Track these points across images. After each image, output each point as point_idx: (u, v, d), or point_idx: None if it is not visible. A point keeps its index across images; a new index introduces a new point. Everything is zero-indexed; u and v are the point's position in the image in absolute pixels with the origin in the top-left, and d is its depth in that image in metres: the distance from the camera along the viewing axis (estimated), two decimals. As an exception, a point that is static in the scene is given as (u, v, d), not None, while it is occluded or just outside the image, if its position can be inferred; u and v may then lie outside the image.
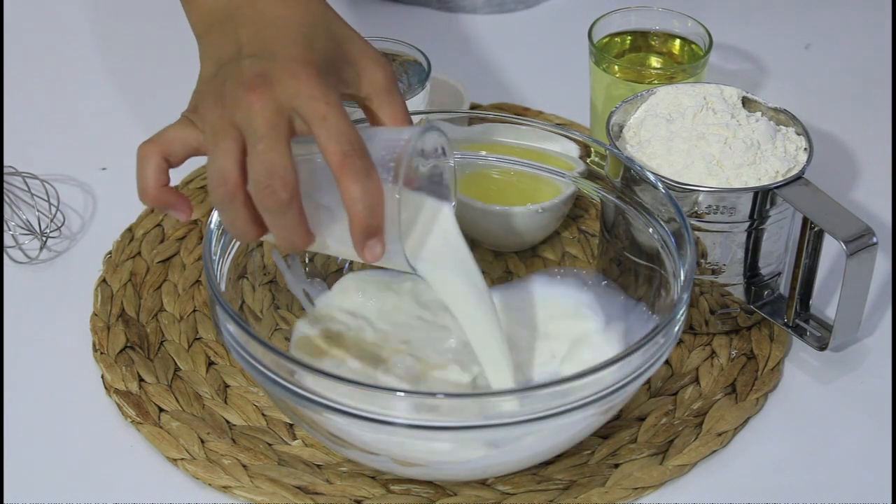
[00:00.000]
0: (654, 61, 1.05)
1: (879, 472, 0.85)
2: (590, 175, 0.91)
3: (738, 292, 0.92)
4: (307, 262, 0.93)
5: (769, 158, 0.89)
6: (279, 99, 0.74)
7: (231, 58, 0.77)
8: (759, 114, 0.92)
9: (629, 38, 1.05)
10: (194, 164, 1.07)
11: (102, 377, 0.90)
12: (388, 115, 0.79)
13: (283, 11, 0.78)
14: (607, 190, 0.90)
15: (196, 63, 1.23)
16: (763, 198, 0.88)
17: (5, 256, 0.99)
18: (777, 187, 0.87)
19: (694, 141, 0.90)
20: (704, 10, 1.10)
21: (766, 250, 0.91)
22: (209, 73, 0.78)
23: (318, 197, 0.76)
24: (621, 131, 0.93)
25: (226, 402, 0.89)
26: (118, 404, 0.88)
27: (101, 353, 0.91)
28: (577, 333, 0.89)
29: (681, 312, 0.79)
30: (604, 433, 0.86)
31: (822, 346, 0.90)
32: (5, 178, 1.03)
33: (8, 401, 0.89)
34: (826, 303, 0.96)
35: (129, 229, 1.02)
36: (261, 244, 0.89)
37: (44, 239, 0.99)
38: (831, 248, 0.92)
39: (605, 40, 1.04)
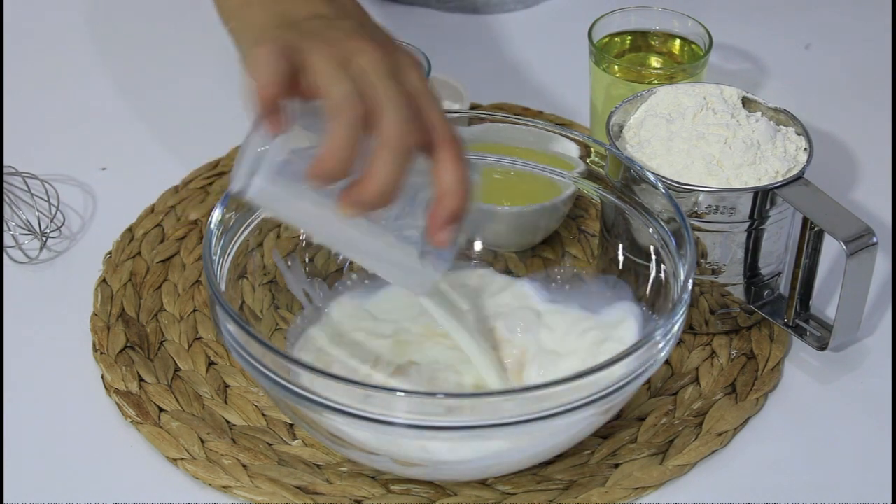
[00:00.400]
0: (654, 61, 1.05)
1: (879, 472, 0.85)
2: (590, 175, 0.91)
3: (738, 292, 0.92)
4: (307, 261, 0.93)
5: (769, 158, 0.89)
6: (394, 61, 0.73)
7: (311, 15, 0.75)
8: (759, 114, 0.92)
9: (629, 38, 1.05)
10: (194, 164, 1.08)
11: (102, 377, 0.90)
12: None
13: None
14: (607, 190, 0.90)
15: (196, 63, 1.23)
16: (763, 198, 0.88)
17: (5, 256, 0.99)
18: (777, 187, 0.87)
19: (694, 141, 0.90)
20: (704, 10, 1.10)
21: (766, 250, 0.91)
22: (269, 26, 0.76)
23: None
24: (621, 131, 0.93)
25: (226, 402, 0.89)
26: (118, 404, 0.88)
27: (101, 353, 0.91)
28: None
29: (681, 312, 0.79)
30: (604, 433, 0.86)
31: (822, 346, 0.90)
32: (5, 178, 1.03)
33: (8, 401, 0.89)
34: (826, 303, 0.96)
35: (129, 229, 1.02)
36: (261, 244, 0.89)
37: (44, 239, 0.99)
38: (831, 248, 0.92)
39: (605, 40, 1.04)
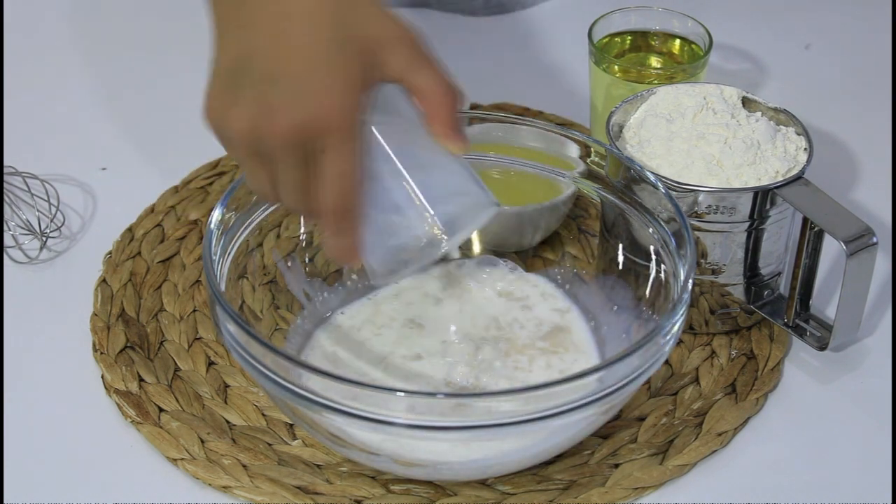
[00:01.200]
0: (654, 61, 1.05)
1: (879, 472, 0.85)
2: (590, 175, 0.91)
3: (738, 292, 0.92)
4: (307, 261, 0.93)
5: (769, 158, 0.89)
6: (298, 147, 0.74)
7: (244, 59, 0.75)
8: (759, 114, 0.92)
9: (629, 38, 1.05)
10: (194, 164, 1.08)
11: (102, 377, 0.90)
12: (420, 93, 0.77)
13: (296, 7, 0.75)
14: (607, 190, 0.90)
15: (196, 63, 1.23)
16: (763, 198, 0.88)
17: (5, 256, 0.99)
18: (777, 187, 0.87)
19: (694, 141, 0.90)
20: (704, 10, 1.10)
21: (766, 250, 0.91)
22: (226, 66, 0.77)
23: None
24: (621, 131, 0.93)
25: (226, 402, 0.89)
26: (118, 404, 0.88)
27: (101, 353, 0.91)
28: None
29: (681, 312, 0.79)
30: (604, 433, 0.86)
31: (822, 346, 0.90)
32: (5, 178, 1.03)
33: (8, 401, 0.89)
34: (826, 303, 0.96)
35: (129, 229, 1.02)
36: (261, 244, 0.89)
37: (44, 239, 0.99)
38: (831, 248, 0.92)
39: (605, 40, 1.04)
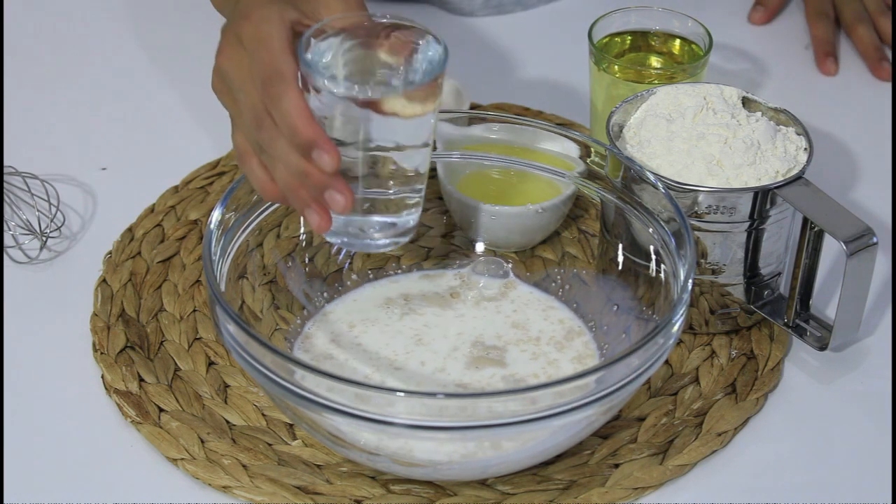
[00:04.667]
0: (654, 61, 1.05)
1: (879, 472, 0.85)
2: (590, 175, 0.91)
3: (738, 292, 0.92)
4: (307, 261, 0.93)
5: (769, 158, 0.89)
6: (233, 46, 0.79)
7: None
8: (759, 114, 0.92)
9: (629, 38, 1.05)
10: (194, 164, 1.08)
11: (102, 377, 0.90)
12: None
13: None
14: (607, 190, 0.90)
15: (196, 63, 1.23)
16: (763, 198, 0.88)
17: (5, 256, 0.99)
18: (777, 187, 0.87)
19: (694, 141, 0.90)
20: (704, 10, 1.10)
21: (766, 250, 0.91)
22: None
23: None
24: (621, 131, 0.93)
25: (226, 402, 0.89)
26: (118, 404, 0.88)
27: (101, 353, 0.91)
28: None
29: (681, 312, 0.79)
30: (604, 433, 0.86)
31: (822, 346, 0.90)
32: (5, 178, 1.03)
33: (8, 401, 0.89)
34: (826, 303, 0.96)
35: (129, 229, 1.02)
36: (261, 244, 0.90)
37: (44, 239, 0.99)
38: (831, 248, 0.92)
39: (605, 40, 1.04)
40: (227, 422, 0.87)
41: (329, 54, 0.79)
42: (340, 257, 0.94)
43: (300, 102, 0.75)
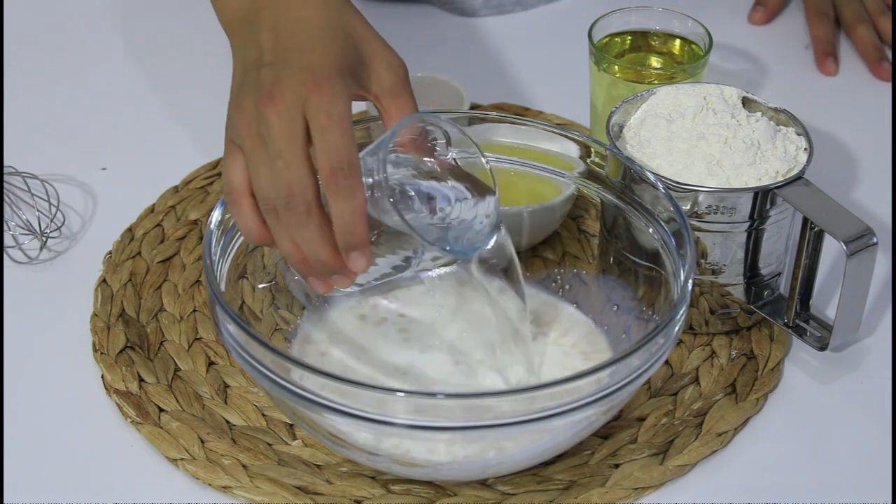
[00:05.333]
0: (654, 61, 1.05)
1: (879, 472, 0.85)
2: (590, 175, 0.91)
3: (738, 292, 0.92)
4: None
5: (769, 158, 0.89)
6: (292, 110, 0.75)
7: (253, 64, 0.78)
8: (759, 114, 0.92)
9: (629, 38, 1.05)
10: (194, 164, 1.08)
11: (102, 377, 0.90)
12: (394, 118, 0.80)
13: (302, 12, 0.79)
14: (607, 190, 0.90)
15: (196, 63, 1.23)
16: (763, 198, 0.88)
17: (5, 256, 0.99)
18: (777, 187, 0.87)
19: (694, 141, 0.90)
20: (704, 10, 1.10)
21: (766, 250, 0.91)
22: (237, 79, 0.80)
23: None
24: (621, 131, 0.93)
25: (226, 402, 0.89)
26: (118, 404, 0.88)
27: (101, 353, 0.91)
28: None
29: (681, 312, 0.79)
30: (604, 433, 0.86)
31: (822, 347, 0.90)
32: (5, 178, 1.03)
33: (8, 401, 0.89)
34: (826, 303, 0.96)
35: (129, 229, 1.02)
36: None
37: (44, 239, 0.99)
38: (831, 248, 0.92)
39: (605, 40, 1.04)
40: (227, 422, 0.87)
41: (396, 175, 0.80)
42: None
43: (364, 204, 0.75)
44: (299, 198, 0.74)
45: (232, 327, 0.78)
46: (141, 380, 0.90)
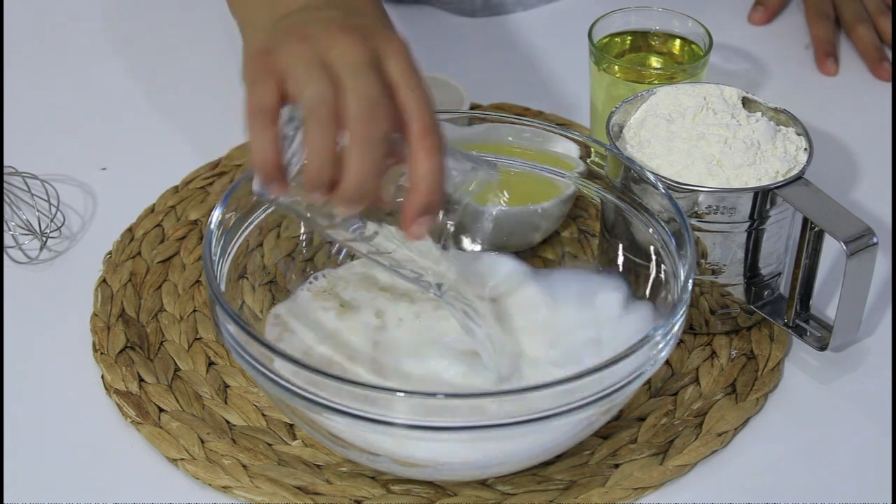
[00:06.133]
0: (654, 61, 1.05)
1: (879, 472, 0.85)
2: (590, 175, 0.91)
3: (738, 292, 0.92)
4: (307, 261, 0.93)
5: (769, 158, 0.89)
6: (372, 49, 0.74)
7: (301, 7, 0.78)
8: (759, 114, 0.92)
9: (629, 38, 1.05)
10: (194, 164, 1.08)
11: (102, 377, 0.90)
12: (407, 113, 0.78)
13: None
14: (607, 190, 0.90)
15: (196, 63, 1.23)
16: (763, 198, 0.88)
17: (5, 256, 0.99)
18: (777, 187, 0.87)
19: (694, 141, 0.90)
20: (704, 10, 1.10)
21: (766, 250, 0.91)
22: (266, 22, 0.79)
23: None
24: (621, 131, 0.93)
25: (226, 402, 0.89)
26: (118, 404, 0.88)
27: (101, 353, 0.91)
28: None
29: (681, 312, 0.79)
30: (604, 433, 0.86)
31: (822, 347, 0.90)
32: (5, 178, 1.03)
33: (8, 401, 0.89)
34: (826, 303, 0.96)
35: (129, 229, 1.02)
36: (261, 244, 0.89)
37: (44, 239, 0.99)
38: (831, 248, 0.92)
39: (605, 40, 1.04)
40: (227, 422, 0.87)
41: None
42: (341, 257, 0.94)
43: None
44: (382, 112, 0.72)
45: (232, 327, 0.77)
46: (141, 380, 0.90)
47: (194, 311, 0.95)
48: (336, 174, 0.73)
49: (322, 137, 0.72)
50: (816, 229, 0.88)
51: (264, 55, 0.75)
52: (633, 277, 0.89)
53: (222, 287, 0.83)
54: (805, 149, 0.90)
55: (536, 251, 0.98)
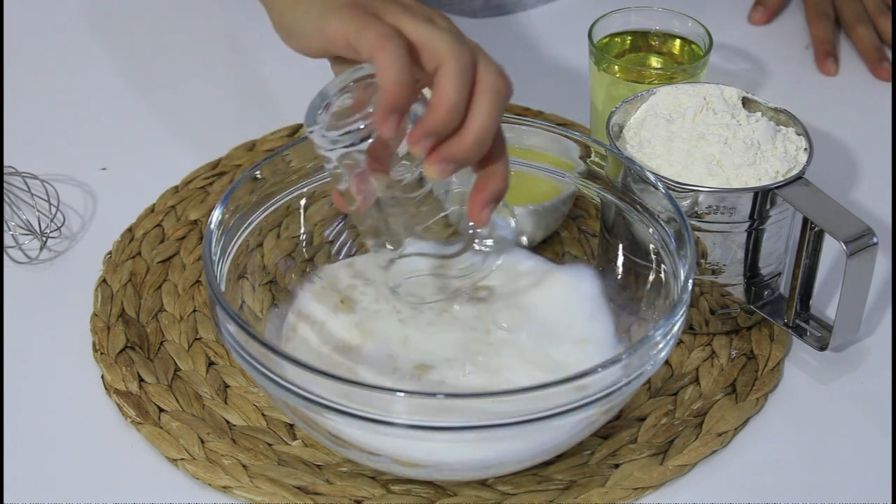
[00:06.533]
0: (654, 61, 1.05)
1: (879, 472, 0.85)
2: (590, 175, 0.91)
3: (738, 292, 0.92)
4: (307, 261, 0.93)
5: (769, 158, 0.89)
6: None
7: None
8: (759, 114, 0.92)
9: (629, 38, 1.05)
10: (194, 164, 1.08)
11: (102, 377, 0.90)
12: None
13: None
14: (607, 190, 0.90)
15: (196, 63, 1.23)
16: (763, 198, 0.88)
17: (5, 256, 0.99)
18: (777, 187, 0.87)
19: (694, 141, 0.90)
20: (704, 10, 1.10)
21: (766, 250, 0.91)
22: None
23: None
24: (621, 131, 0.93)
25: (226, 402, 0.89)
26: (118, 404, 0.88)
27: (101, 353, 0.91)
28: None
29: (681, 312, 0.79)
30: (604, 433, 0.86)
31: (822, 347, 0.90)
32: (5, 178, 1.03)
33: (8, 401, 0.89)
34: (826, 303, 0.96)
35: (129, 229, 1.02)
36: (261, 244, 0.89)
37: (44, 239, 0.99)
38: (831, 248, 0.92)
39: (605, 40, 1.04)
40: (227, 422, 0.87)
41: None
42: (341, 257, 0.94)
43: None
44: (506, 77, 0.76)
45: (232, 327, 0.78)
46: (141, 380, 0.90)
47: (194, 311, 0.95)
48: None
49: (463, 84, 0.74)
50: (816, 229, 0.88)
51: (364, 9, 0.75)
52: (633, 277, 0.89)
53: (222, 287, 0.83)
54: (805, 149, 0.90)
55: (536, 251, 0.98)
